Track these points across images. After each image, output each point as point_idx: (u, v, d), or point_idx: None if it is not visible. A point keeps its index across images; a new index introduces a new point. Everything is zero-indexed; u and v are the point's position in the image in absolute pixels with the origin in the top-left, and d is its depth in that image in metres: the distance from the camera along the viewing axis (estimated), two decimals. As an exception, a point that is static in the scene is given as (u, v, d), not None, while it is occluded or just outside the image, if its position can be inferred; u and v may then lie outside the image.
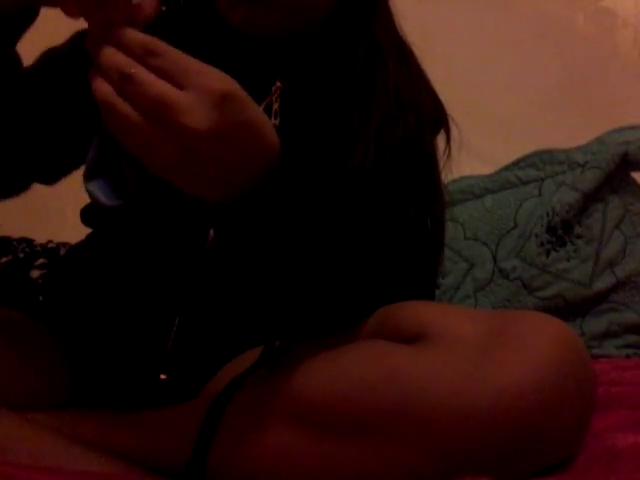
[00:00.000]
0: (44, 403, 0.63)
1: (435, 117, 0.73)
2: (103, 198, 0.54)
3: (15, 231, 1.03)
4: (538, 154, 1.26)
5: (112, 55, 0.45)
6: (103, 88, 0.45)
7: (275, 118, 0.66)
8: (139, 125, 0.45)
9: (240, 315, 0.66)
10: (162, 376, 0.64)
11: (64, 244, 1.00)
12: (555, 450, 0.49)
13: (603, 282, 1.17)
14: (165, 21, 0.71)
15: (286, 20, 0.67)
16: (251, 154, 0.48)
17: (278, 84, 0.68)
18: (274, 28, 0.68)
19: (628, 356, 1.12)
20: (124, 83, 0.45)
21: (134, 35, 0.46)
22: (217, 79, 0.46)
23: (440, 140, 0.74)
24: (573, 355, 0.50)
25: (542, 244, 1.19)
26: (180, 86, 0.45)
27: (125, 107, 0.45)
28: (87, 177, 0.55)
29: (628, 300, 1.17)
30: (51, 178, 0.75)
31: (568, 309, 1.17)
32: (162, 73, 0.45)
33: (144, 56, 0.45)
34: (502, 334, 0.51)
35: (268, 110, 0.66)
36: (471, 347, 0.51)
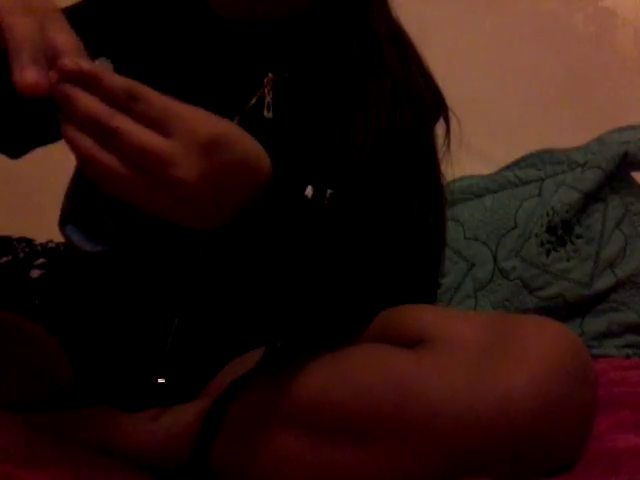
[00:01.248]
0: (44, 403, 0.63)
1: (434, 105, 0.72)
2: (82, 244, 0.51)
3: (15, 231, 1.03)
4: (538, 154, 1.26)
5: (90, 106, 0.43)
6: (83, 142, 0.43)
7: (268, 111, 0.66)
8: (127, 178, 0.43)
9: (238, 317, 0.66)
10: (160, 380, 0.64)
11: (64, 244, 1.00)
12: (557, 454, 0.49)
13: (603, 282, 1.17)
14: (152, 16, 0.70)
15: (271, 5, 0.66)
16: (243, 187, 0.47)
17: (270, 76, 0.67)
18: (260, 13, 0.67)
19: (628, 356, 1.12)
20: (107, 137, 0.43)
21: (114, 79, 0.43)
22: (201, 123, 0.44)
23: (439, 134, 0.73)
24: (574, 358, 0.50)
25: (542, 244, 1.19)
26: (164, 132, 0.43)
27: (111, 160, 0.43)
28: (63, 222, 0.51)
29: (628, 300, 1.17)
30: (17, 151, 0.72)
31: (568, 309, 1.17)
32: (144, 119, 0.43)
33: (126, 101, 0.43)
34: (503, 338, 0.51)
35: (261, 102, 0.66)
36: (472, 351, 0.51)
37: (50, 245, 1.03)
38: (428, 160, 0.69)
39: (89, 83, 0.43)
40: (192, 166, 0.43)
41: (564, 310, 1.16)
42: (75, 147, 0.43)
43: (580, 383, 0.49)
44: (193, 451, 0.56)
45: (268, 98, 0.66)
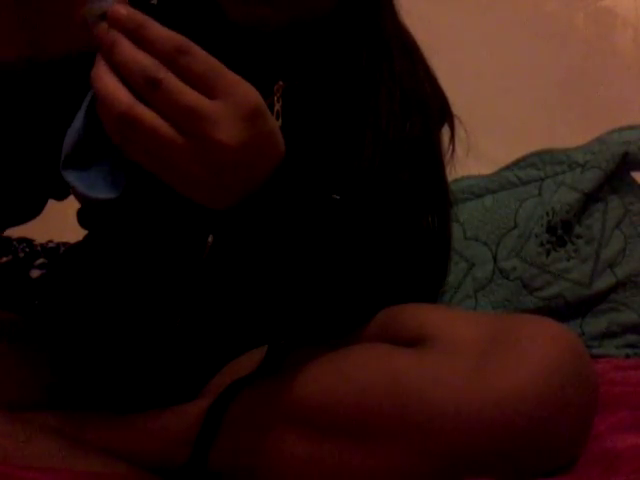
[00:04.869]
0: (43, 404, 0.63)
1: (440, 112, 0.72)
2: (85, 190, 0.46)
3: (15, 231, 1.03)
4: (538, 154, 1.26)
5: (136, 55, 0.41)
6: (120, 95, 0.41)
7: (277, 119, 0.65)
8: (169, 139, 0.42)
9: (239, 318, 0.66)
10: (160, 380, 0.64)
11: (64, 244, 1.00)
12: (557, 453, 0.49)
13: (603, 282, 1.17)
14: (156, 16, 0.70)
15: (290, 14, 0.65)
16: (266, 162, 0.47)
17: (280, 83, 0.66)
18: (276, 23, 0.66)
19: (628, 356, 1.12)
20: (152, 90, 0.41)
21: (161, 30, 0.42)
22: (248, 91, 0.44)
23: (444, 138, 0.73)
24: (574, 358, 0.50)
25: (542, 244, 1.19)
26: (210, 93, 0.42)
27: (153, 119, 0.41)
28: (66, 164, 0.46)
29: (628, 300, 1.17)
30: (64, 192, 0.73)
31: (568, 309, 1.17)
32: (191, 76, 0.42)
33: (174, 54, 0.42)
34: (503, 338, 0.51)
35: (270, 110, 0.65)
36: (472, 351, 0.51)
37: (50, 245, 1.03)
38: (435, 168, 0.69)
39: (136, 32, 0.42)
40: (236, 130, 0.43)
41: (564, 310, 1.16)
42: (110, 102, 0.42)
43: (580, 383, 0.49)
44: (193, 451, 0.56)
45: (277, 106, 0.65)
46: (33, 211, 0.70)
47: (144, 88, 0.42)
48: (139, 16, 0.42)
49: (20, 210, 0.68)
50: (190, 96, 0.42)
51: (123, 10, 0.42)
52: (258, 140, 0.45)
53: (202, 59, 0.42)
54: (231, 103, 0.43)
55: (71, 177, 0.46)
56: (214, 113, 0.42)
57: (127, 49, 0.42)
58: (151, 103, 0.42)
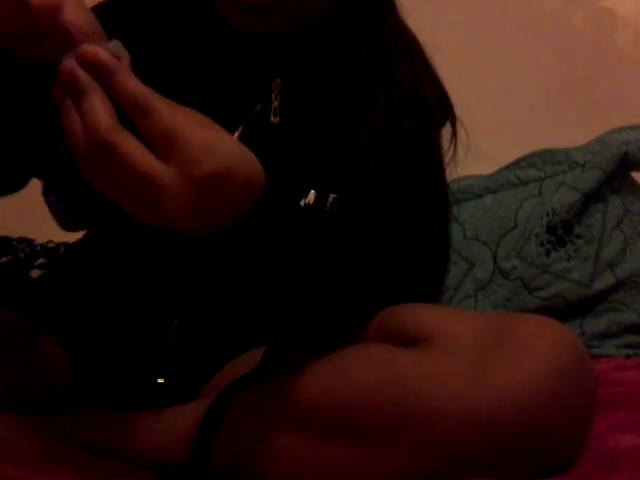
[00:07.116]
0: (44, 403, 0.63)
1: (442, 112, 0.72)
2: (58, 212, 0.47)
3: (15, 231, 1.03)
4: (538, 154, 1.26)
5: (91, 111, 0.40)
6: (78, 137, 0.41)
7: (275, 116, 0.65)
8: (114, 187, 0.41)
9: (238, 317, 0.66)
10: (159, 380, 0.64)
11: (64, 244, 1.00)
12: (556, 453, 0.49)
13: (603, 282, 1.17)
14: (159, 16, 0.70)
15: (287, 22, 0.65)
16: (242, 206, 0.45)
17: (278, 81, 0.66)
18: (275, 31, 0.66)
19: (628, 356, 1.12)
20: (99, 151, 0.40)
21: (127, 83, 0.41)
22: (205, 157, 0.42)
23: (444, 138, 0.73)
24: (574, 358, 0.50)
25: (542, 244, 1.19)
26: (164, 154, 0.41)
27: (101, 168, 0.41)
28: (47, 190, 0.47)
29: (628, 300, 1.17)
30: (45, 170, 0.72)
31: (568, 309, 1.17)
32: (148, 136, 0.41)
33: (132, 112, 0.41)
34: (502, 337, 0.51)
35: (267, 107, 0.66)
36: (472, 350, 0.51)
37: (50, 245, 1.03)
38: (434, 168, 0.69)
39: (102, 76, 0.41)
40: (182, 198, 0.41)
41: (564, 310, 1.16)
42: (68, 136, 0.41)
43: (579, 382, 0.49)
44: (193, 451, 0.56)
45: (275, 103, 0.65)
46: (13, 185, 0.68)
47: (91, 148, 0.41)
48: (109, 63, 0.41)
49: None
50: (138, 159, 0.40)
51: (90, 52, 0.41)
52: (219, 203, 0.43)
53: (161, 120, 0.41)
54: (181, 168, 0.41)
55: (52, 202, 0.47)
56: (161, 178, 0.41)
57: (86, 103, 0.41)
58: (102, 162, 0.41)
